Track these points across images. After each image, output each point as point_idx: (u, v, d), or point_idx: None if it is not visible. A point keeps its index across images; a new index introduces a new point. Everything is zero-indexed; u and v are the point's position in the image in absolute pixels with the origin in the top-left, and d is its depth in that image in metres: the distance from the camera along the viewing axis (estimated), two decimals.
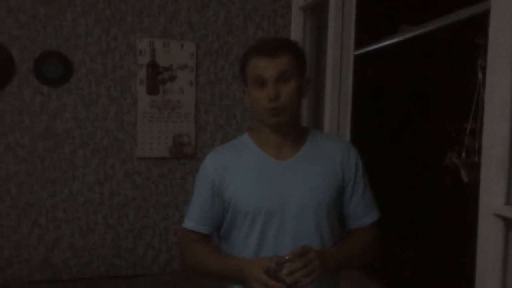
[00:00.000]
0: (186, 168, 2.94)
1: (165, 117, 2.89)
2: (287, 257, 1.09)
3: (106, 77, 2.79)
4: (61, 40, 2.70)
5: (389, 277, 2.54)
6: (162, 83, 2.87)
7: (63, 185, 2.76)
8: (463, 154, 3.04)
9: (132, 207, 2.87)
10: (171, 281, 2.82)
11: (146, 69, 2.84)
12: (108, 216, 2.84)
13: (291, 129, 1.27)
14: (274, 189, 1.25)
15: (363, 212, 1.33)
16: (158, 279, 2.86)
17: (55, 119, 2.73)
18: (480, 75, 2.78)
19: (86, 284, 2.76)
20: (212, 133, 2.97)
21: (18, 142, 2.68)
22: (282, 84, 1.21)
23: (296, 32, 2.96)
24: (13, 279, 2.69)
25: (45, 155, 2.73)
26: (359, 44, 2.52)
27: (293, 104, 1.24)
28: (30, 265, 2.73)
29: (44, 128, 2.72)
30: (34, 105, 2.69)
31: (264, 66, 1.20)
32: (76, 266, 2.80)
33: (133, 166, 2.86)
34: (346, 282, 2.26)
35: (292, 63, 1.22)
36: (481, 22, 1.91)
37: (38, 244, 2.74)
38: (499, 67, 1.28)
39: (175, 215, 2.93)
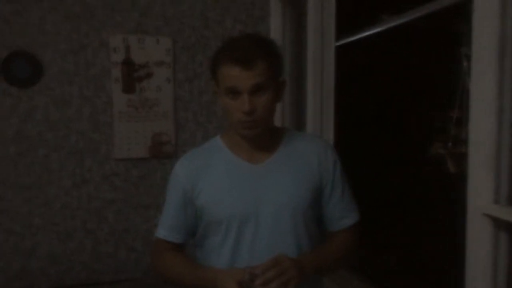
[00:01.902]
0: (166, 168, 2.85)
1: (143, 116, 2.79)
2: (258, 271, 1.05)
3: (78, 76, 2.67)
4: (28, 39, 2.58)
5: (373, 271, 2.51)
6: (138, 81, 2.76)
7: (38, 191, 2.65)
8: (450, 144, 3.00)
9: (112, 210, 2.77)
10: (155, 284, 2.71)
11: (121, 66, 2.73)
12: (87, 220, 2.74)
13: (264, 134, 1.20)
14: (248, 194, 1.18)
15: (342, 214, 1.27)
16: (142, 283, 2.78)
17: (26, 122, 2.61)
18: (465, 64, 2.74)
19: None
20: (192, 131, 2.88)
21: None
22: (257, 96, 1.12)
23: (275, 24, 2.87)
24: None
25: (18, 160, 2.61)
26: (340, 34, 2.44)
27: (268, 115, 1.17)
28: (7, 274, 2.62)
29: (15, 131, 2.60)
30: (4, 108, 2.57)
31: (238, 77, 1.10)
32: (55, 274, 2.70)
33: (111, 168, 2.76)
34: (329, 279, 2.21)
35: (268, 71, 1.12)
36: (462, 10, 1.85)
37: (14, 253, 2.63)
38: (484, 57, 1.22)
39: (157, 216, 2.79)
